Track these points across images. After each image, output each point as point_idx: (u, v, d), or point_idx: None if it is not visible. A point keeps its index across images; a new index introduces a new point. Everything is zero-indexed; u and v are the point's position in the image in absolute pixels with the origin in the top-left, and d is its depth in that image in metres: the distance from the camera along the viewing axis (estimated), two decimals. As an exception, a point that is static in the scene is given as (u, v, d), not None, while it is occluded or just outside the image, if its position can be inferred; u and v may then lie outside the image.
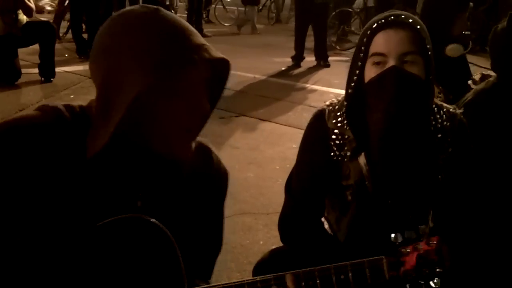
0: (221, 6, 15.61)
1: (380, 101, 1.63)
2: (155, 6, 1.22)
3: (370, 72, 1.66)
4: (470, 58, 3.53)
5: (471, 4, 3.47)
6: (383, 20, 1.65)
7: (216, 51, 1.22)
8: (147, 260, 1.22)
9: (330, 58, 8.95)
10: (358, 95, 1.69)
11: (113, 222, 1.19)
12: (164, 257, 1.24)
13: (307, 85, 7.50)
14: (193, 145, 1.27)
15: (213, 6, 15.46)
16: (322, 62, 8.90)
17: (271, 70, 8.42)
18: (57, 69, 7.03)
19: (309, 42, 9.11)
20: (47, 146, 1.18)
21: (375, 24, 1.66)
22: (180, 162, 1.31)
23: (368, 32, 1.67)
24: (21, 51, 6.69)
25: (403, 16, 1.65)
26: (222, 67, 1.27)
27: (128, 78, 1.13)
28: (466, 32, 3.22)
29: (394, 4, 10.84)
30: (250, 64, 8.62)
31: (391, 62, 1.62)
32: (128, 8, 1.25)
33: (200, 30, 12.33)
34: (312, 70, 8.63)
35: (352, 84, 1.70)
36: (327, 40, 9.31)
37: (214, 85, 1.29)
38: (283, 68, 8.67)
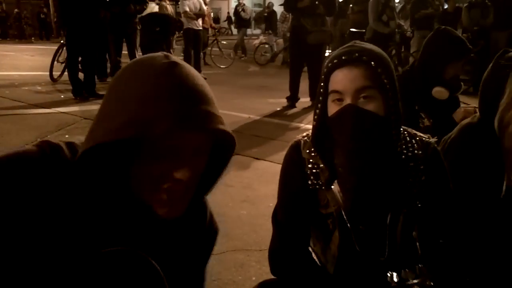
0: (217, 49, 15.82)
1: (341, 137, 1.64)
2: (175, 60, 1.17)
3: (332, 108, 1.66)
4: (462, 98, 3.57)
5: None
6: (335, 61, 1.64)
7: (222, 124, 1.17)
8: None
9: (324, 99, 8.92)
10: (322, 127, 1.70)
11: (107, 253, 1.18)
12: None
13: (301, 125, 7.52)
14: (175, 207, 1.20)
15: (209, 49, 15.67)
16: (317, 102, 8.88)
17: (266, 110, 8.47)
18: (53, 110, 7.06)
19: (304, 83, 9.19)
20: (28, 182, 1.11)
21: (330, 64, 1.66)
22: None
23: (325, 70, 1.67)
24: (20, 94, 6.74)
25: (356, 54, 1.62)
26: (226, 140, 1.22)
27: (117, 118, 1.10)
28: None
29: (389, 46, 11.05)
30: (245, 105, 8.72)
31: (347, 100, 1.62)
32: (148, 55, 1.20)
33: (199, 72, 12.41)
34: (306, 110, 8.65)
35: (316, 117, 1.72)
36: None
37: (216, 157, 1.26)
38: (278, 109, 8.72)
